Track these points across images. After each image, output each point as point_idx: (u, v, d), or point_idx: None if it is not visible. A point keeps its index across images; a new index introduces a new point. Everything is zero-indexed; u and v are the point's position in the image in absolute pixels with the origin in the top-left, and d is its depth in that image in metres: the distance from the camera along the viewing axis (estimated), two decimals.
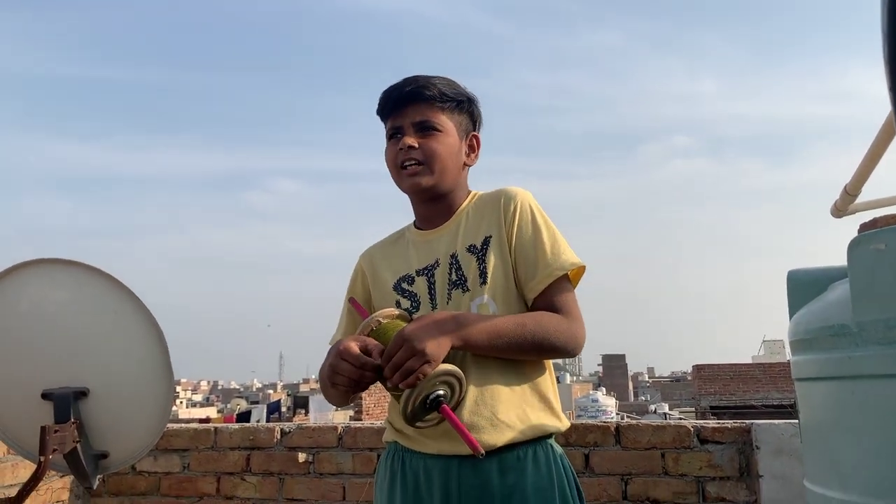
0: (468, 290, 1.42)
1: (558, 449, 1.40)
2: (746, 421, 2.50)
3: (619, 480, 2.53)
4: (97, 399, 2.33)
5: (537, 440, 1.35)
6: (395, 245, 1.60)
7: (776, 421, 2.44)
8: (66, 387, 2.30)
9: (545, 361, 1.44)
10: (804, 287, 1.55)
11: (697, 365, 27.51)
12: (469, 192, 1.57)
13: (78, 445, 2.29)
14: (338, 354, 1.28)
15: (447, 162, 1.48)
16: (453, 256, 1.45)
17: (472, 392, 1.33)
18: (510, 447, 1.32)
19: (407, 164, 1.46)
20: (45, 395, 2.27)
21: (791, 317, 1.56)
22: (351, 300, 1.55)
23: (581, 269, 1.43)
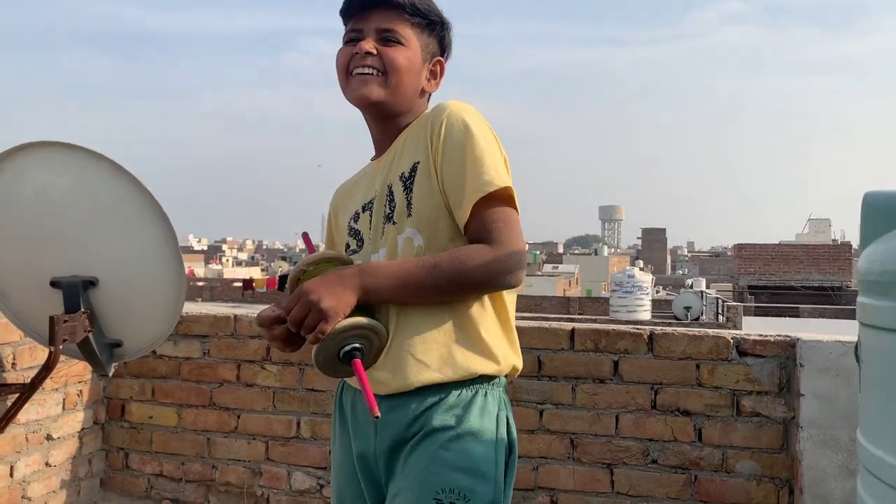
0: (395, 223, 1.29)
1: (492, 397, 1.25)
2: (792, 335, 2.33)
3: (649, 389, 2.42)
4: (107, 288, 2.25)
5: (464, 383, 1.23)
6: (357, 180, 1.48)
7: (824, 338, 2.27)
8: (74, 275, 2.20)
9: (492, 296, 1.28)
10: (882, 214, 1.32)
11: (739, 244, 27.13)
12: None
13: (90, 335, 2.24)
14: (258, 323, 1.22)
15: (405, 77, 1.31)
16: (389, 187, 1.32)
17: (393, 332, 1.24)
18: (432, 388, 1.22)
19: (359, 71, 1.29)
20: (53, 284, 2.19)
21: (863, 246, 1.35)
22: (303, 235, 1.42)
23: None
